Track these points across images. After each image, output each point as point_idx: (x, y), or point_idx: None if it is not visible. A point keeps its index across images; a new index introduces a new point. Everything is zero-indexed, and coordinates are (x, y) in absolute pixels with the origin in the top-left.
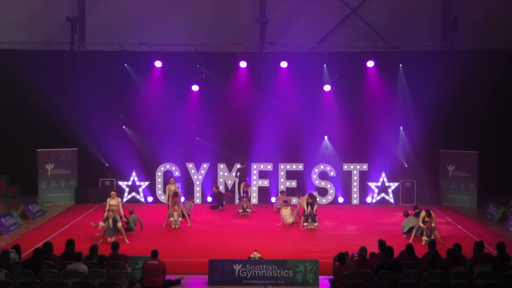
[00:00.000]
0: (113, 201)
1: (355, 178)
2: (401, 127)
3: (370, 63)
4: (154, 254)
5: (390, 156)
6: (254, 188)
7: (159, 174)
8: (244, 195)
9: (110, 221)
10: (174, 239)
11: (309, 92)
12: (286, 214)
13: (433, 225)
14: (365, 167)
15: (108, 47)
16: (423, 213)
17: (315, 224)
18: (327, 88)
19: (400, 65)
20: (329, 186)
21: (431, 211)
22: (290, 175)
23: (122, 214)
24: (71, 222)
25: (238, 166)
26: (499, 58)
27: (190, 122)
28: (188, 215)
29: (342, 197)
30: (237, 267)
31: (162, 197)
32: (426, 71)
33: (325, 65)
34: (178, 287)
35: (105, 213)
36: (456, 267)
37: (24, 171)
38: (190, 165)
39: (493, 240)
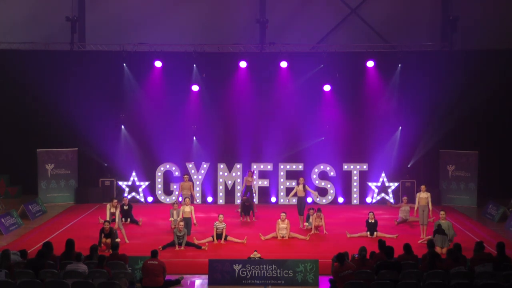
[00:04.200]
0: (187, 208)
1: (355, 178)
2: (400, 127)
3: (370, 63)
4: (154, 254)
5: (390, 156)
6: (254, 189)
7: (159, 174)
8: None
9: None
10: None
11: (309, 92)
12: (283, 228)
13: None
14: (365, 167)
15: (108, 47)
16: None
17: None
18: (327, 88)
19: (399, 65)
20: (329, 186)
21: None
22: (290, 175)
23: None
24: (71, 222)
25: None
26: (499, 58)
27: (190, 122)
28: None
29: (342, 197)
30: (237, 267)
31: (162, 197)
32: (426, 71)
33: (322, 65)
34: (178, 287)
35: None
36: (456, 267)
37: (24, 171)
38: (190, 165)
39: (493, 240)
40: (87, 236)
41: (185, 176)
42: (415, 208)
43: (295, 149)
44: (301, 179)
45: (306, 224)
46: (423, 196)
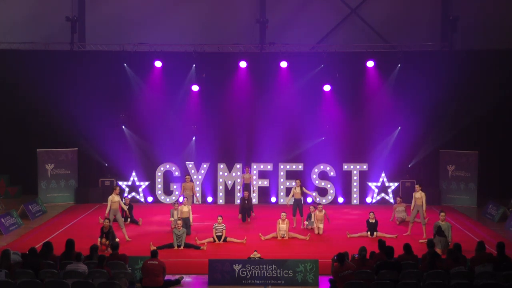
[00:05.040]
0: (185, 208)
1: (355, 178)
2: (399, 127)
3: (370, 63)
4: (154, 254)
5: (390, 156)
6: (254, 188)
7: (159, 174)
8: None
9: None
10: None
11: (309, 92)
12: (283, 229)
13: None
14: (365, 167)
15: (108, 47)
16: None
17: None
18: (327, 88)
19: (399, 65)
20: (329, 186)
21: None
22: (290, 175)
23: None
24: (71, 222)
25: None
26: (499, 58)
27: (190, 122)
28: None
29: (342, 197)
30: (237, 267)
31: (162, 197)
32: (426, 71)
33: (322, 65)
34: (178, 287)
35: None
36: (456, 267)
37: (24, 171)
38: (190, 165)
39: (493, 240)
40: (87, 236)
41: (187, 177)
42: (412, 208)
43: (295, 149)
44: (298, 181)
45: (306, 223)
46: (417, 196)
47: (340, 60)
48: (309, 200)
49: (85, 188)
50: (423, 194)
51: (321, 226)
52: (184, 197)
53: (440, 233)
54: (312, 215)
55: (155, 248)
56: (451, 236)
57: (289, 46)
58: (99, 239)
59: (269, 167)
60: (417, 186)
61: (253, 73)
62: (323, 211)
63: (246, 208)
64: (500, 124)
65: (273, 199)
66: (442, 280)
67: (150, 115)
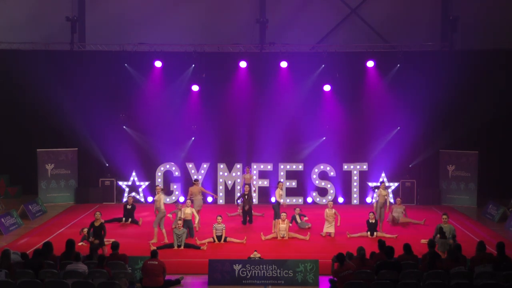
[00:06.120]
0: (187, 210)
1: (355, 178)
2: (398, 127)
3: (370, 63)
4: (154, 254)
5: (390, 156)
6: (254, 189)
7: (159, 174)
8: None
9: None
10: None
11: (309, 92)
12: (283, 228)
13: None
14: (365, 167)
15: (108, 47)
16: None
17: (308, 225)
18: (327, 88)
19: (398, 65)
20: (329, 186)
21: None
22: (290, 175)
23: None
24: (71, 222)
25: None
26: (499, 58)
27: (190, 122)
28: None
29: (342, 197)
30: (237, 267)
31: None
32: (426, 71)
33: (323, 65)
34: (178, 287)
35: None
36: (456, 267)
37: (24, 171)
38: (190, 165)
39: (493, 240)
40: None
41: (195, 181)
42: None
43: (295, 149)
44: (280, 183)
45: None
46: (383, 193)
47: (340, 60)
48: (309, 200)
49: (85, 188)
50: (387, 191)
51: (332, 227)
52: (187, 199)
53: (442, 234)
54: (297, 216)
55: (155, 248)
56: (455, 239)
57: (289, 46)
58: (85, 230)
59: (269, 167)
60: (382, 184)
61: (253, 73)
62: (333, 209)
63: (245, 214)
64: (500, 124)
65: (273, 199)
66: (442, 280)
67: (150, 115)
